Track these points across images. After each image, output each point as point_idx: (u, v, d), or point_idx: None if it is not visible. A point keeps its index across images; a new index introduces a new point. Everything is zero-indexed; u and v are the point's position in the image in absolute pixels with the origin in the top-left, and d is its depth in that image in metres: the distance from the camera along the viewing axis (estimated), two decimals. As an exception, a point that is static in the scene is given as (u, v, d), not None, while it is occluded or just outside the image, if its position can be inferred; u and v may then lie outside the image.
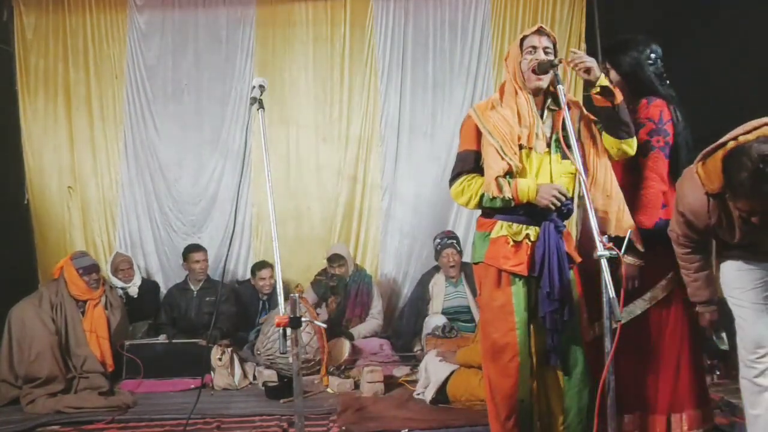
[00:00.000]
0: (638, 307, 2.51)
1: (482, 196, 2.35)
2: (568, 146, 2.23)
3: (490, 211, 2.40)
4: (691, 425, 2.53)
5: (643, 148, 2.47)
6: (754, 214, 2.01)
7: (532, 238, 2.32)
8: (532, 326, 2.35)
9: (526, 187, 2.27)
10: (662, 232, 2.41)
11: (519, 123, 2.31)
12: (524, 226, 2.33)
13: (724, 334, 2.42)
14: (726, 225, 2.19)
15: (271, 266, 4.95)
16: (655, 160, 2.46)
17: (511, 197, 2.28)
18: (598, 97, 2.31)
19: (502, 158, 2.29)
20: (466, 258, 4.87)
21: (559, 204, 2.28)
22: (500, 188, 2.27)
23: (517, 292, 2.32)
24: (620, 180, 2.51)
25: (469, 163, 2.41)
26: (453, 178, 2.45)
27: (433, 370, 3.57)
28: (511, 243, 2.33)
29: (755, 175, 1.90)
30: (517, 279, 2.33)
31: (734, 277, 2.34)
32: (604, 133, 2.38)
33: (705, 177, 2.13)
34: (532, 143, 2.31)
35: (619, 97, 2.31)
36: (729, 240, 2.24)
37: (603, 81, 2.28)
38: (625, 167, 2.53)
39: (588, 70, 2.26)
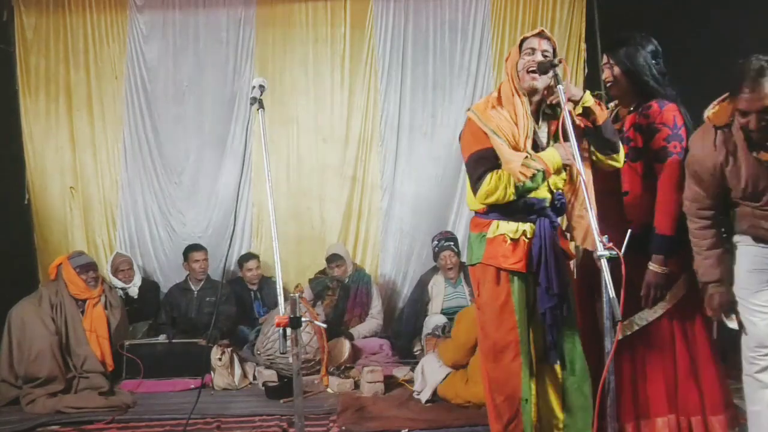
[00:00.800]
0: (660, 307, 2.51)
1: (516, 185, 2.28)
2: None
3: (487, 210, 2.39)
4: (731, 425, 2.53)
5: (661, 154, 2.47)
6: (750, 113, 2.08)
7: (529, 235, 2.33)
8: (530, 325, 2.35)
9: (550, 156, 2.29)
10: (681, 238, 2.43)
11: (516, 126, 2.31)
12: (520, 223, 2.33)
13: (733, 315, 2.43)
14: (733, 164, 2.22)
15: (257, 257, 4.98)
16: (673, 166, 2.44)
17: (543, 168, 2.25)
18: (580, 117, 2.32)
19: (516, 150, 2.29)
20: (465, 258, 4.87)
21: (572, 160, 2.25)
22: (528, 166, 2.24)
23: (516, 291, 2.32)
24: (638, 185, 2.53)
25: (491, 160, 2.32)
26: (478, 179, 2.33)
27: (429, 372, 3.57)
28: (509, 241, 2.32)
29: (755, 73, 2.04)
30: (515, 277, 2.32)
31: (744, 278, 2.37)
32: (592, 147, 2.39)
33: (714, 116, 2.24)
34: (527, 147, 2.30)
35: (601, 117, 2.32)
36: (736, 186, 2.25)
37: (586, 101, 2.30)
38: (643, 173, 2.53)
39: (570, 98, 2.27)
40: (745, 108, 2.08)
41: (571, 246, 2.49)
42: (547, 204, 2.35)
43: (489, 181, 2.29)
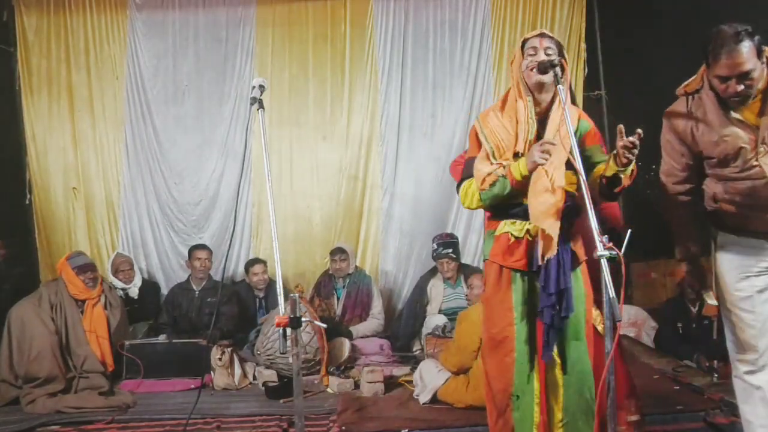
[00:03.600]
0: None
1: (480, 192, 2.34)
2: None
3: (494, 210, 2.41)
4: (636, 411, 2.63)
5: None
6: (730, 78, 2.13)
7: (533, 234, 2.32)
8: (537, 323, 2.35)
9: (516, 163, 2.26)
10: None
11: (516, 130, 2.30)
12: (526, 222, 2.32)
13: (710, 292, 2.46)
14: (705, 127, 2.27)
15: (263, 262, 4.99)
16: None
17: (504, 174, 2.26)
18: (605, 179, 2.22)
19: (491, 163, 2.31)
20: (465, 259, 4.87)
21: (549, 156, 2.19)
22: (493, 173, 2.28)
23: (517, 289, 2.33)
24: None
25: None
26: (458, 184, 2.48)
27: (428, 378, 3.56)
28: (513, 239, 2.33)
29: (731, 39, 2.11)
30: (518, 275, 2.33)
31: (729, 277, 2.37)
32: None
33: (685, 87, 2.35)
34: (527, 151, 2.29)
35: (624, 184, 2.23)
36: (710, 150, 2.28)
37: (625, 171, 2.15)
38: None
39: (628, 160, 2.12)
40: (726, 74, 2.13)
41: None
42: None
43: (463, 188, 2.43)
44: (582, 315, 2.36)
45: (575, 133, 2.26)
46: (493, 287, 2.37)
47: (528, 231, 2.32)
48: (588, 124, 2.41)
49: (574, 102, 2.47)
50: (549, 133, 2.27)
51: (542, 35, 2.32)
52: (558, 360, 2.33)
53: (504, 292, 2.33)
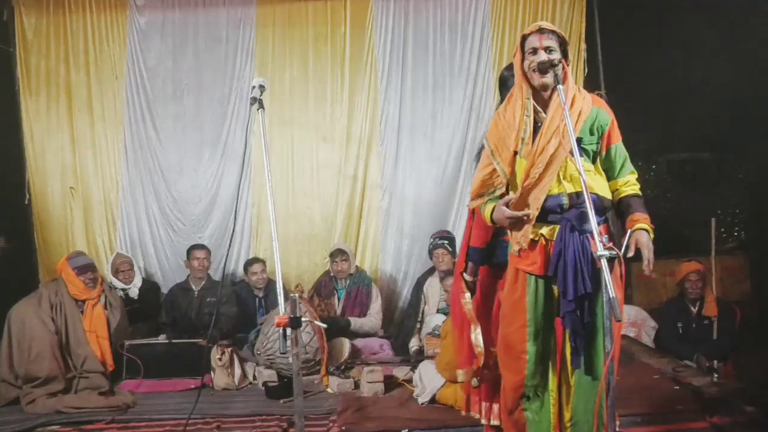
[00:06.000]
0: None
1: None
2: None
3: None
4: None
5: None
6: None
7: (547, 237, 2.29)
8: (551, 328, 2.35)
9: (488, 210, 2.35)
10: None
11: (514, 128, 2.29)
12: (540, 224, 2.28)
13: None
14: None
15: (262, 261, 4.99)
16: None
17: (483, 212, 2.39)
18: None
19: (490, 162, 2.35)
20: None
21: (522, 219, 2.25)
22: (480, 196, 2.41)
23: (531, 292, 2.31)
24: None
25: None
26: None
27: (428, 379, 3.56)
28: (529, 242, 2.31)
29: None
30: (532, 278, 2.31)
31: None
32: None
33: None
34: (519, 148, 2.29)
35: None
36: None
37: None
38: None
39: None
40: None
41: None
42: (565, 207, 2.26)
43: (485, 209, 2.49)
44: (600, 319, 2.32)
45: (593, 122, 2.29)
46: (510, 287, 2.38)
47: (542, 235, 2.30)
48: (608, 116, 2.33)
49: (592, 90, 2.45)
50: (544, 137, 2.25)
51: (541, 31, 2.27)
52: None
53: (519, 294, 2.33)
